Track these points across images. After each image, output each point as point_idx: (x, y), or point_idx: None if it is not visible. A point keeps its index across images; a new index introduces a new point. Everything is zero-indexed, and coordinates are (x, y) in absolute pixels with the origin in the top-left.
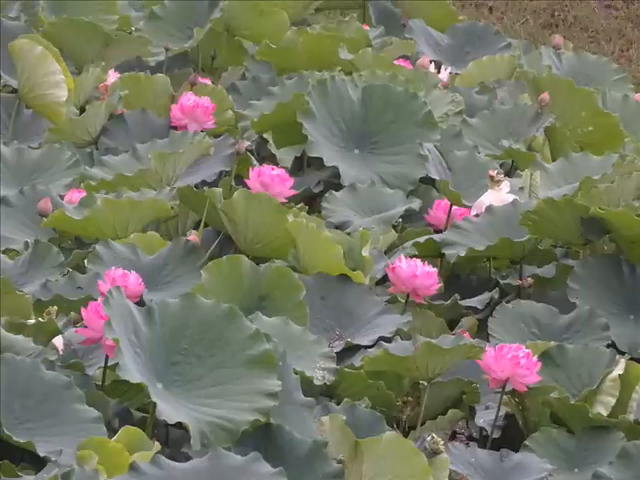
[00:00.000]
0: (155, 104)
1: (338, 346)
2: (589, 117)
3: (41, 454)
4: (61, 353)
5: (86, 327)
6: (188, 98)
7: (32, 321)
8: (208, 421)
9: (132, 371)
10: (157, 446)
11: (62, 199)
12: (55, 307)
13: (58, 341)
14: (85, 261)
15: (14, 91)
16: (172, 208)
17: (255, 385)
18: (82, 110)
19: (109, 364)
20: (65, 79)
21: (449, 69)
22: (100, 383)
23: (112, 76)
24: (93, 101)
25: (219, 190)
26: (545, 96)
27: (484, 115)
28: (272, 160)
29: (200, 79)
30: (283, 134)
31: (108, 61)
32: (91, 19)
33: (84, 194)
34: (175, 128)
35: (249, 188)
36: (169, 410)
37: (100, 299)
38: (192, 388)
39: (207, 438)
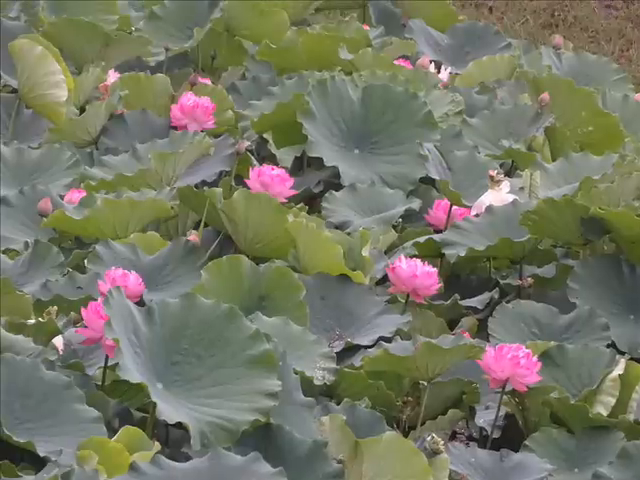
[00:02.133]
0: (155, 104)
1: (338, 346)
2: (589, 117)
3: (41, 454)
4: (61, 353)
5: (86, 327)
6: (188, 98)
7: (32, 321)
8: (208, 421)
9: (132, 371)
10: (157, 446)
11: (62, 199)
12: (55, 307)
13: (58, 341)
14: (85, 261)
15: (14, 91)
16: (172, 208)
17: (255, 385)
18: (82, 110)
19: (109, 364)
20: (65, 79)
21: (449, 69)
22: (100, 383)
23: (112, 76)
24: (93, 101)
25: (219, 190)
26: (545, 96)
27: (484, 115)
28: (272, 160)
29: (200, 79)
30: (283, 134)
31: (108, 61)
32: (91, 19)
33: (84, 194)
34: (175, 128)
35: (249, 188)
36: (169, 410)
37: (100, 299)
38: (192, 388)
39: (207, 438)
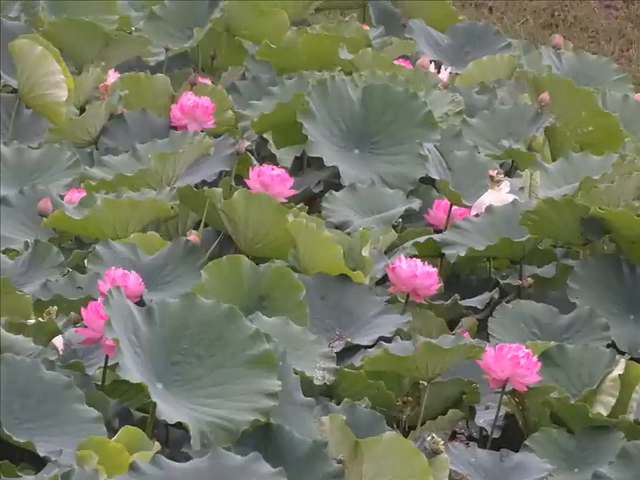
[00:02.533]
0: (155, 104)
1: (338, 346)
2: (589, 117)
3: (41, 454)
4: (61, 353)
5: (86, 327)
6: (188, 98)
7: (32, 321)
8: (208, 421)
9: (132, 371)
10: (157, 446)
11: (62, 199)
12: (55, 307)
13: (58, 341)
14: (85, 261)
15: (14, 91)
16: (172, 208)
17: (255, 385)
18: (82, 110)
19: (109, 364)
20: (65, 79)
21: (449, 69)
22: (100, 383)
23: (112, 76)
24: (93, 101)
25: (219, 190)
26: (545, 96)
27: (484, 115)
28: (272, 160)
29: (200, 79)
30: (283, 134)
31: (108, 61)
32: (91, 19)
33: (84, 194)
34: (175, 128)
35: (249, 188)
36: (169, 410)
37: (100, 299)
38: (192, 388)
39: (207, 438)
